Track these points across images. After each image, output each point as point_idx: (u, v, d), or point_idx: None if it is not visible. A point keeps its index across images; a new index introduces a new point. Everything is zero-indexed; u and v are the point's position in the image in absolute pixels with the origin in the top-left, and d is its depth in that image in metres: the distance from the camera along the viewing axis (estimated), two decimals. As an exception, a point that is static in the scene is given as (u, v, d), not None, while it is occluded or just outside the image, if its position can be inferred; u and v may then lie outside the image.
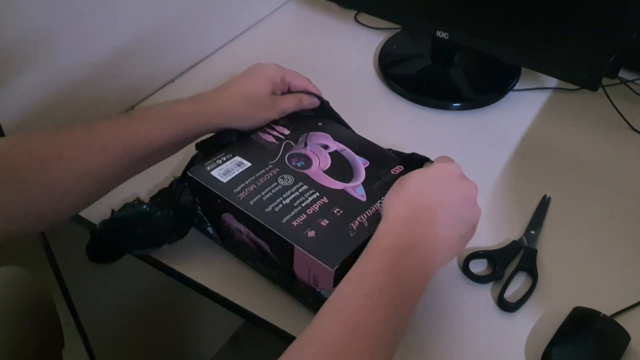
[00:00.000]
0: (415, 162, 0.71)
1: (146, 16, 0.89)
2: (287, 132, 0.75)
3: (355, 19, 1.12)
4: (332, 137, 0.75)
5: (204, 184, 0.67)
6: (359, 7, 1.08)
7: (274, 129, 0.75)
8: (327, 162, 0.70)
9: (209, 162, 0.69)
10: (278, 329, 0.65)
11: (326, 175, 0.68)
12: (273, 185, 0.66)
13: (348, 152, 0.72)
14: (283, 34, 1.10)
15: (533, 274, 0.70)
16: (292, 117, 0.77)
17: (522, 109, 0.94)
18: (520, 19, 0.86)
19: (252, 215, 0.63)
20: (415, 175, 0.61)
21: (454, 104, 0.94)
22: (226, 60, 1.02)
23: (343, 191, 0.67)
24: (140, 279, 1.03)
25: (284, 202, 0.64)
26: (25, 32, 0.74)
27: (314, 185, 0.67)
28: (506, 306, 0.67)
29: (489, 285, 0.70)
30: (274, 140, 0.73)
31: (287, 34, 1.10)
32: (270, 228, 0.62)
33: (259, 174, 0.68)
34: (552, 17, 0.83)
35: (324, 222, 0.63)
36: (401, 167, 0.71)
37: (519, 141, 0.89)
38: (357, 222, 0.63)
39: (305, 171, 0.69)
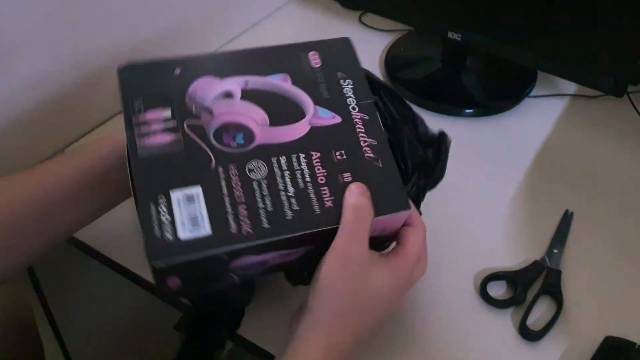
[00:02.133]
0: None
1: (143, 16, 0.84)
2: (163, 114, 0.50)
3: (360, 20, 1.06)
4: (215, 75, 0.53)
5: (189, 257, 0.45)
6: (365, 7, 1.02)
7: (144, 124, 0.49)
8: (258, 112, 0.51)
9: (155, 228, 0.45)
10: (265, 351, 0.60)
11: (279, 128, 0.51)
12: (254, 187, 0.48)
13: (260, 81, 0.53)
14: (283, 35, 1.04)
15: (558, 298, 0.63)
16: (135, 92, 0.51)
17: (539, 116, 0.88)
18: (538, 20, 0.80)
19: (279, 237, 0.46)
20: (382, 277, 0.49)
21: (466, 110, 0.88)
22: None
23: (313, 130, 0.51)
24: (124, 297, 0.97)
25: (289, 193, 0.48)
26: (11, 32, 0.69)
27: (284, 149, 0.50)
28: (529, 335, 0.60)
29: (509, 310, 0.63)
30: (167, 139, 0.49)
31: (288, 35, 1.04)
32: (315, 230, 0.47)
33: (224, 190, 0.47)
34: (573, 18, 0.77)
35: (346, 177, 0.49)
36: (315, 53, 0.56)
37: (536, 151, 0.82)
38: (365, 147, 0.51)
39: (257, 142, 0.49)
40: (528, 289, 0.64)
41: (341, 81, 0.54)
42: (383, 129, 0.53)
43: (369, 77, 0.55)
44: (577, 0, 0.75)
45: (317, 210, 0.47)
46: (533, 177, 0.78)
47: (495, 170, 0.79)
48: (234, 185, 0.47)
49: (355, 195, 0.47)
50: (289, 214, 0.47)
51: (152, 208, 0.45)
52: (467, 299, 0.64)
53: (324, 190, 0.48)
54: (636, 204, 0.75)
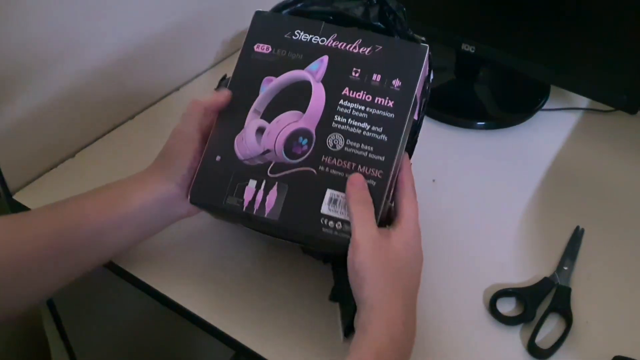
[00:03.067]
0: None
1: (150, 23, 0.84)
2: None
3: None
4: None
5: None
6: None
7: None
8: (288, 116, 0.58)
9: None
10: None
11: (309, 106, 0.57)
12: (350, 150, 0.56)
13: (261, 100, 0.59)
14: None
15: (567, 316, 0.63)
16: None
17: (552, 130, 0.88)
18: (552, 33, 0.79)
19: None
20: (399, 241, 0.53)
21: (478, 123, 0.88)
22: (232, 70, 0.96)
23: (325, 80, 0.58)
24: (131, 304, 0.97)
25: (365, 129, 0.56)
26: (22, 41, 0.68)
27: (329, 110, 0.57)
28: (538, 353, 0.60)
29: (519, 327, 0.62)
30: (274, 195, 0.56)
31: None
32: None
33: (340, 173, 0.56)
34: (587, 33, 0.77)
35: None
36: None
37: (548, 165, 0.82)
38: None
39: (313, 131, 0.57)
40: (537, 306, 0.64)
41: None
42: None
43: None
44: (592, 16, 0.75)
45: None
46: (544, 191, 0.78)
47: (506, 184, 0.79)
48: (339, 164, 0.56)
49: (357, 190, 0.54)
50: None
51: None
52: (476, 315, 0.63)
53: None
54: (648, 222, 0.74)
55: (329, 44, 0.58)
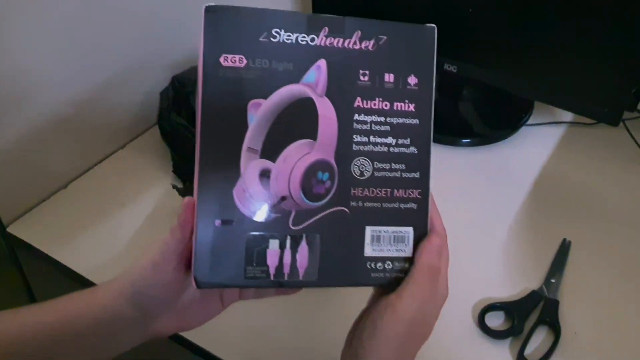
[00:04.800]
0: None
1: (137, 49, 0.85)
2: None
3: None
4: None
5: None
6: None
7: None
8: (295, 147, 0.45)
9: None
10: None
11: (320, 129, 0.45)
12: (380, 174, 0.46)
13: (254, 133, 0.45)
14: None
15: (555, 328, 0.64)
16: None
17: (536, 144, 0.89)
18: (533, 50, 0.81)
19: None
20: (408, 310, 0.44)
21: (464, 140, 0.89)
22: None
23: (329, 91, 0.45)
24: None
25: (392, 145, 0.47)
26: (12, 72, 0.70)
27: (345, 126, 0.46)
28: (527, 366, 0.60)
29: (507, 341, 0.63)
30: (305, 257, 0.46)
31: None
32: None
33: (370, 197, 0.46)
34: (567, 48, 0.78)
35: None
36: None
37: (534, 179, 0.83)
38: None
39: (332, 163, 0.46)
40: (526, 319, 0.64)
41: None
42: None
43: None
44: (571, 33, 0.76)
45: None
46: (530, 205, 0.79)
47: (492, 199, 0.80)
48: (373, 194, 0.46)
49: (431, 254, 0.46)
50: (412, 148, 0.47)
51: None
52: (465, 330, 0.64)
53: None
54: (634, 232, 0.75)
55: (322, 43, 0.45)
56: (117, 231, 0.75)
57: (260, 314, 0.65)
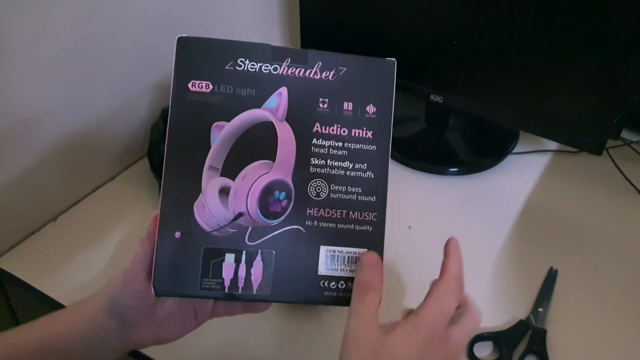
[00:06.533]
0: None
1: (128, 83, 0.86)
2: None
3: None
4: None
5: None
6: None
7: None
8: (254, 168, 0.48)
9: None
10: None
11: (279, 153, 0.48)
12: (336, 194, 0.49)
13: (224, 129, 0.48)
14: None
15: (543, 358, 0.64)
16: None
17: (523, 173, 0.90)
18: (517, 81, 0.83)
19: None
20: (406, 344, 0.42)
21: (450, 169, 0.90)
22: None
23: (290, 115, 0.49)
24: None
25: (348, 169, 0.49)
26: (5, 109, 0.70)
27: (303, 153, 0.49)
28: (516, 396, 0.61)
29: (496, 371, 0.64)
30: (261, 271, 0.48)
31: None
32: None
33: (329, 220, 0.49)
34: (550, 80, 0.80)
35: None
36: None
37: (520, 208, 0.84)
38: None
39: (289, 181, 0.48)
40: (514, 349, 0.65)
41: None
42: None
43: None
44: (552, 65, 0.78)
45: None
46: (517, 234, 0.80)
47: (479, 228, 0.80)
48: (328, 214, 0.49)
49: (366, 270, 0.46)
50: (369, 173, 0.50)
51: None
52: (454, 361, 0.64)
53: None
54: (619, 259, 0.76)
55: (284, 72, 0.49)
56: (105, 264, 0.75)
57: (236, 334, 0.65)
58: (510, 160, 0.92)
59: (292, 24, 1.12)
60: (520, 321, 0.67)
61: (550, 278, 0.73)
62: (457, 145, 0.96)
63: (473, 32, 0.81)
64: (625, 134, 0.93)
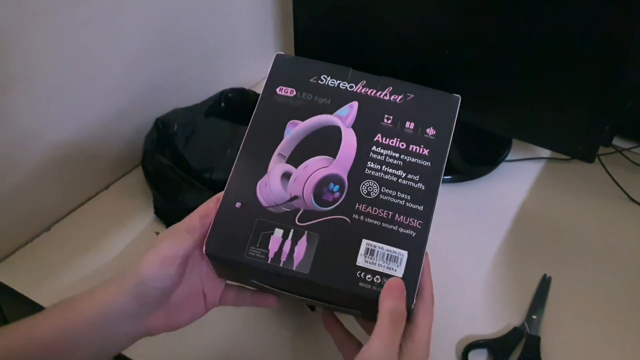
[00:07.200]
0: None
1: (123, 91, 0.86)
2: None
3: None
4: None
5: None
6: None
7: None
8: (316, 161, 0.54)
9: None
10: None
11: (339, 152, 0.54)
12: (385, 198, 0.53)
13: (286, 144, 0.55)
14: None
15: (537, 365, 0.64)
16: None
17: (516, 180, 0.91)
18: (509, 89, 0.83)
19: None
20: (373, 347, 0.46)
21: (444, 177, 0.90)
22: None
23: (356, 125, 0.55)
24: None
25: (401, 178, 0.53)
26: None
27: (361, 157, 0.54)
28: (510, 403, 0.61)
29: (491, 379, 0.64)
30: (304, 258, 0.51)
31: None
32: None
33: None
34: (541, 87, 0.80)
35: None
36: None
37: (513, 215, 0.84)
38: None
39: (344, 177, 0.53)
40: (508, 356, 0.65)
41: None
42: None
43: None
44: (545, 74, 0.78)
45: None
46: (510, 242, 0.80)
47: (473, 236, 0.81)
48: (375, 212, 0.52)
49: (393, 299, 0.48)
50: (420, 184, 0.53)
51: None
52: (449, 369, 0.65)
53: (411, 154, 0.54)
54: (612, 266, 0.76)
55: (358, 90, 0.56)
56: (99, 274, 0.75)
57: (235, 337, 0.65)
58: (503, 168, 0.93)
59: (285, 39, 1.13)
60: (515, 328, 0.68)
61: (544, 285, 0.73)
62: (450, 153, 0.96)
63: (465, 41, 0.82)
64: (617, 141, 0.93)
